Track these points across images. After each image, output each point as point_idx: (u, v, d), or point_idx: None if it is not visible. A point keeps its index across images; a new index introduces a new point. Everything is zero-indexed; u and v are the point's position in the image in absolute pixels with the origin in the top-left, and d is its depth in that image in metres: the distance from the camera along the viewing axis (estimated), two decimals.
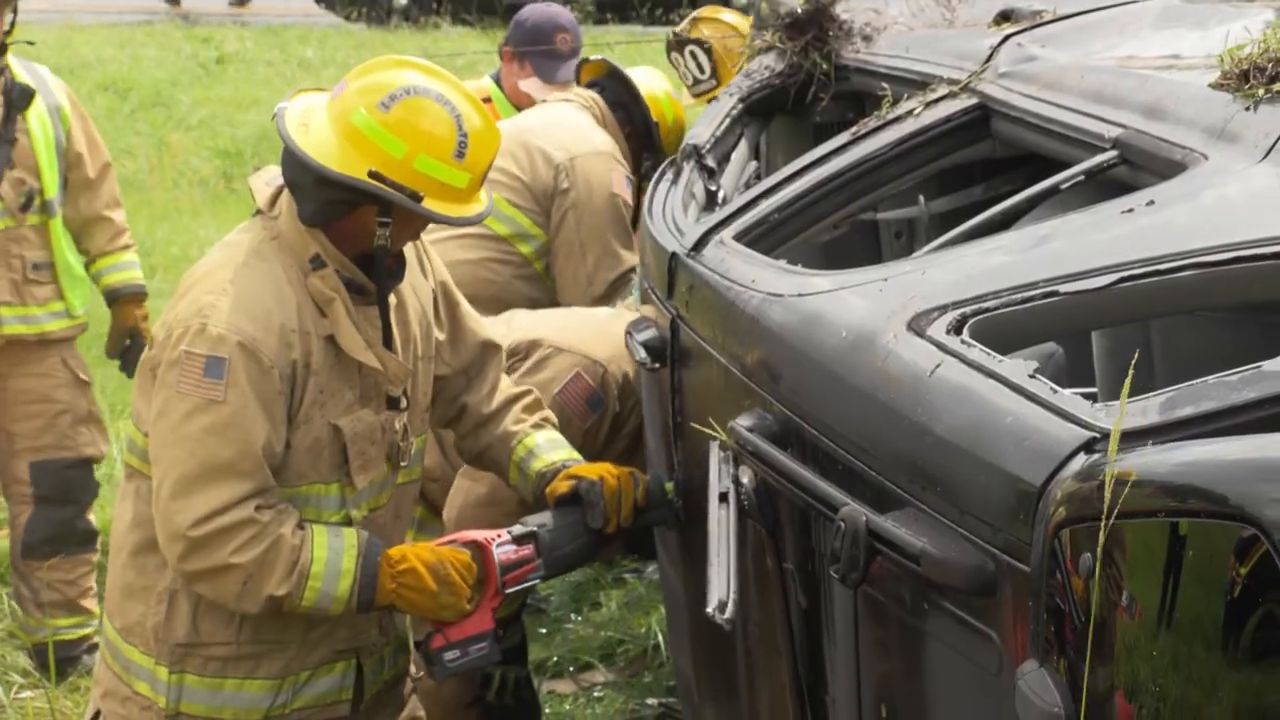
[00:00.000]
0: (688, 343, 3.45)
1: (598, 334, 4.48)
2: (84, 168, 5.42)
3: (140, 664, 3.55)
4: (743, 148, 4.26)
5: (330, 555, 3.39)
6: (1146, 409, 2.16)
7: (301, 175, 3.37)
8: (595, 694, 5.38)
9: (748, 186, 4.06)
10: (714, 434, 3.06)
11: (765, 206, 3.53)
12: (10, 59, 5.29)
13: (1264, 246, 2.51)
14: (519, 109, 5.89)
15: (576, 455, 3.85)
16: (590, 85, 5.58)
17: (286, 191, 3.46)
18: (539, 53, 5.84)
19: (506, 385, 3.93)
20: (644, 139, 5.53)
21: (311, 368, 3.42)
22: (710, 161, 4.10)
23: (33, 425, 5.38)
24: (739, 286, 3.13)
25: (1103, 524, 1.97)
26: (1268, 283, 2.52)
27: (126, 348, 5.59)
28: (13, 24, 5.26)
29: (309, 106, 3.43)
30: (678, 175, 4.10)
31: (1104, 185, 3.09)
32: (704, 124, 4.27)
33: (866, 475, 2.57)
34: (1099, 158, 3.12)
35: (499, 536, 3.60)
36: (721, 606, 2.87)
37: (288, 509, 3.40)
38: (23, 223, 5.27)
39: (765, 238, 3.46)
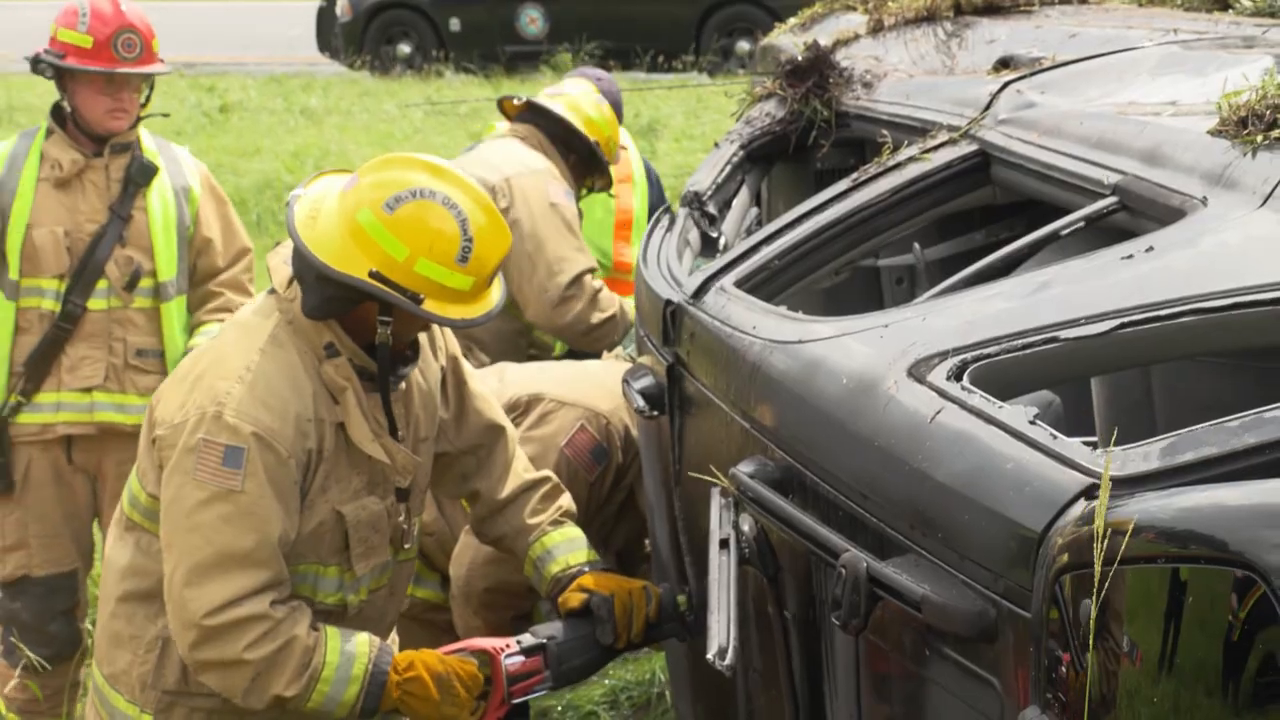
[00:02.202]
0: (688, 389, 3.45)
1: (597, 386, 4.49)
2: (213, 254, 5.25)
3: (125, 711, 3.54)
4: (744, 194, 4.27)
5: (342, 661, 3.38)
6: (1148, 454, 2.16)
7: (305, 269, 3.35)
8: None
9: (749, 233, 4.07)
10: (715, 480, 3.06)
11: (766, 253, 3.53)
12: (143, 135, 5.19)
13: (1264, 292, 2.52)
14: None
15: (593, 557, 3.83)
16: (524, 120, 5.60)
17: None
18: None
19: (521, 468, 3.90)
20: (589, 162, 5.56)
21: (323, 454, 3.41)
22: (711, 208, 4.11)
23: None
24: (740, 333, 3.13)
25: (1100, 570, 1.97)
26: (1268, 328, 2.53)
27: None
28: (148, 99, 5.20)
29: (320, 195, 3.40)
30: (672, 223, 4.10)
31: (1104, 231, 3.09)
32: (705, 170, 4.28)
33: (867, 521, 2.56)
34: (1098, 204, 3.12)
35: (509, 647, 3.60)
36: (722, 653, 2.86)
37: (301, 606, 3.38)
38: (129, 304, 5.09)
39: (766, 284, 3.47)
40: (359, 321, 3.42)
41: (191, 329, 5.25)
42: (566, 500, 3.93)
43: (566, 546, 3.82)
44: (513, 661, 3.58)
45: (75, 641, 5.21)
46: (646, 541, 4.64)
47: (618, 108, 5.85)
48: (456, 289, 3.35)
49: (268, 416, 3.31)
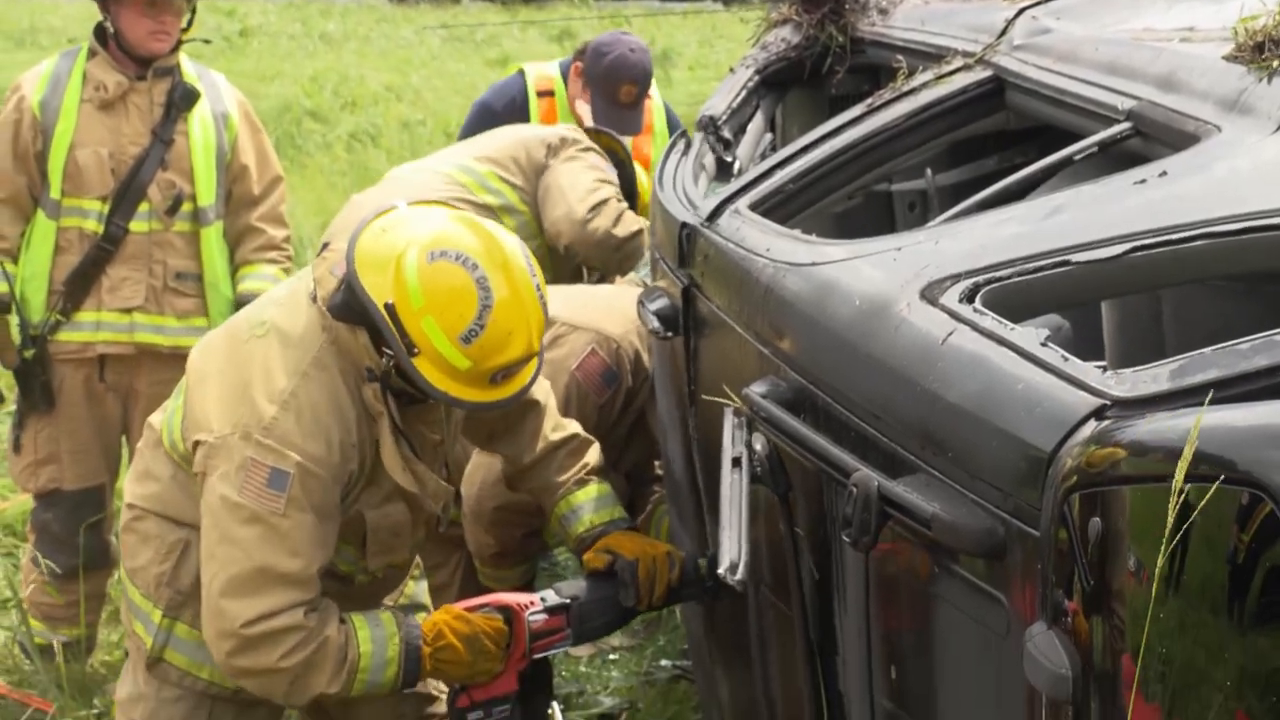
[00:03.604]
0: (702, 311, 3.44)
1: (609, 310, 4.49)
2: (248, 181, 5.25)
3: (139, 605, 3.60)
4: (758, 120, 4.26)
5: (375, 649, 3.43)
6: (1157, 376, 2.15)
7: (345, 266, 3.36)
8: (610, 657, 5.39)
9: (763, 158, 4.05)
10: (728, 401, 3.06)
11: (780, 177, 3.52)
12: (184, 61, 5.18)
13: (1276, 217, 2.50)
14: (575, 116, 5.88)
15: (617, 515, 3.86)
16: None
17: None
18: (600, 92, 5.80)
19: (549, 430, 3.90)
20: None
21: (363, 471, 3.46)
22: (726, 133, 4.09)
23: None
24: (754, 255, 3.13)
25: (1109, 489, 1.97)
26: (1279, 253, 2.51)
27: None
28: (189, 24, 5.18)
29: (406, 218, 3.40)
30: (687, 147, 4.09)
31: (1117, 157, 3.08)
32: (720, 96, 4.26)
33: (878, 441, 2.56)
34: (1113, 129, 3.11)
35: (533, 604, 3.63)
36: (733, 568, 2.88)
37: (329, 606, 3.41)
38: (169, 227, 5.11)
39: (780, 208, 3.46)
40: (366, 319, 3.39)
41: (237, 267, 5.28)
42: (593, 455, 3.93)
43: (592, 505, 3.85)
44: (536, 619, 3.62)
45: (103, 552, 5.27)
46: (656, 463, 4.67)
47: (647, 78, 5.82)
48: (452, 364, 3.32)
49: (313, 445, 3.33)
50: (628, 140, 5.61)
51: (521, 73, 6.16)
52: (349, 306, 3.35)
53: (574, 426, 3.96)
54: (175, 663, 3.57)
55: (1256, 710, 1.85)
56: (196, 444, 3.41)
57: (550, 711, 4.06)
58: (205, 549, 3.38)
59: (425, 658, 3.48)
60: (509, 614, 3.60)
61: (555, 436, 3.89)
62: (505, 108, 5.99)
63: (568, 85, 5.99)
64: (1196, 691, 1.92)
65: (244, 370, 3.42)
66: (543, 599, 3.65)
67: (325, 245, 3.57)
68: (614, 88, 5.77)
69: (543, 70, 6.08)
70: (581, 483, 3.87)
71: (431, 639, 3.49)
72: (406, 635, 3.47)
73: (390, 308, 3.29)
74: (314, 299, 3.46)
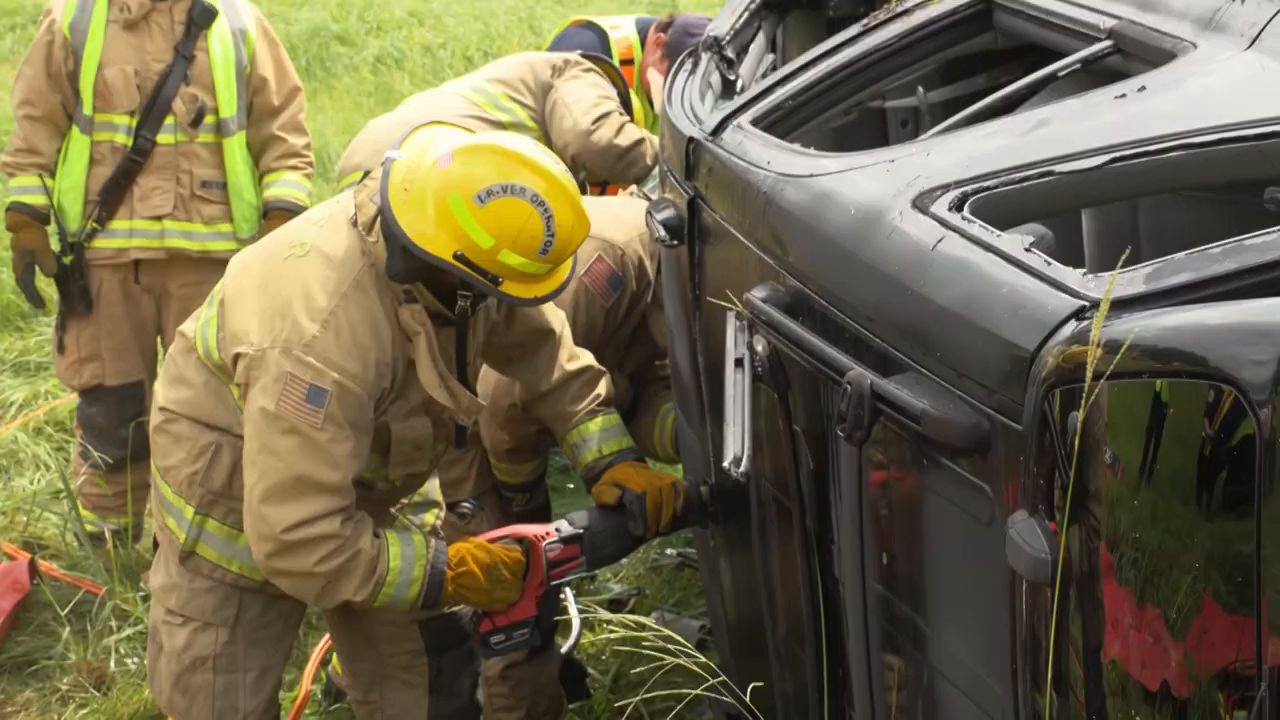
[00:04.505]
0: (707, 220, 3.43)
1: (613, 220, 4.49)
2: (268, 92, 5.24)
3: (171, 501, 3.60)
4: (760, 40, 4.21)
5: (403, 565, 3.44)
6: (1133, 279, 2.15)
7: (393, 238, 3.33)
8: None
9: (764, 76, 4.01)
10: (730, 305, 3.05)
11: (781, 94, 3.49)
12: None
13: (1247, 129, 2.49)
14: (644, 83, 5.80)
15: (626, 444, 3.87)
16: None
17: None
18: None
19: (565, 360, 3.89)
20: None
21: (395, 388, 3.45)
22: (730, 52, 4.05)
23: None
24: (755, 167, 3.11)
25: (1088, 384, 1.97)
26: (1249, 163, 2.51)
27: None
28: None
29: (413, 166, 3.35)
30: (695, 66, 4.05)
31: (1099, 73, 3.05)
32: (724, 17, 4.21)
33: (871, 342, 2.56)
34: (1094, 47, 3.08)
35: (549, 535, 3.65)
36: (736, 461, 2.89)
37: (364, 518, 3.42)
38: (194, 139, 5.12)
39: (780, 123, 3.43)
40: (437, 271, 3.37)
41: (261, 175, 5.28)
42: (604, 387, 3.93)
43: (602, 435, 3.85)
44: (553, 549, 3.64)
45: (145, 444, 5.28)
46: (657, 364, 4.68)
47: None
48: (534, 274, 3.37)
49: (351, 363, 3.32)
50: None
51: (600, 32, 5.95)
52: (414, 269, 3.34)
53: (588, 358, 3.95)
54: (207, 556, 3.58)
55: (1221, 592, 1.86)
56: (237, 357, 3.39)
57: (563, 598, 4.09)
58: (246, 455, 3.38)
59: (447, 581, 3.50)
60: (527, 545, 3.63)
61: (571, 366, 3.89)
62: None
63: (644, 49, 5.90)
64: (1166, 574, 1.93)
65: (284, 287, 3.39)
66: (557, 530, 3.68)
67: (366, 174, 3.54)
68: None
69: (625, 35, 5.90)
70: (593, 413, 3.88)
71: (455, 564, 3.52)
72: (433, 559, 3.48)
73: (462, 256, 3.28)
74: (354, 223, 3.44)
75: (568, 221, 3.34)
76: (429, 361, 3.43)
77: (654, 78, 5.76)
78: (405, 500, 3.84)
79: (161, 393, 3.64)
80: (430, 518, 3.92)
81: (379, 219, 3.37)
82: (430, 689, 3.81)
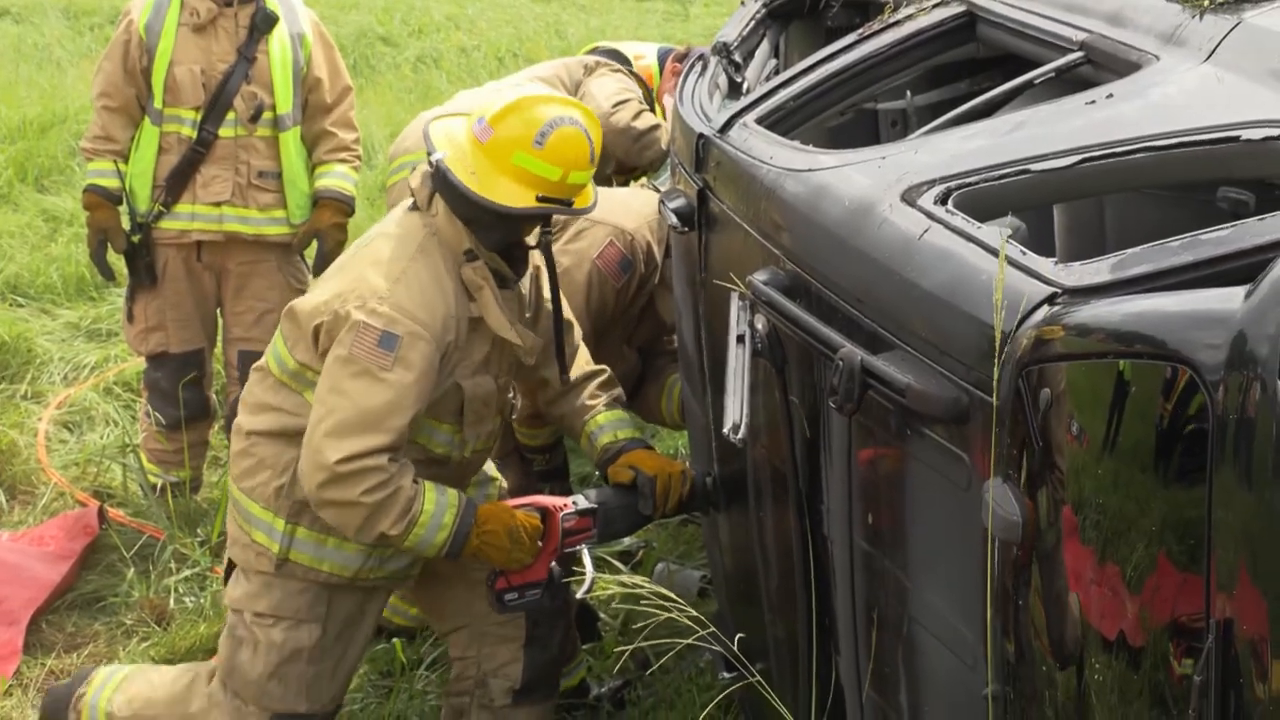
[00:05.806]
0: (713, 210, 3.42)
1: (624, 208, 4.51)
2: (322, 91, 5.22)
3: (259, 517, 3.60)
4: (764, 46, 4.20)
5: (436, 510, 3.44)
6: (1099, 269, 2.14)
7: (481, 214, 3.45)
8: None
9: (768, 79, 4.00)
10: (734, 286, 3.05)
11: (783, 95, 3.48)
12: None
13: (1203, 134, 2.48)
14: (660, 107, 5.76)
15: (638, 434, 3.90)
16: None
17: (439, 194, 3.50)
18: None
19: (583, 360, 3.92)
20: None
21: (458, 343, 3.47)
22: (737, 57, 4.04)
23: (245, 318, 5.25)
24: (759, 162, 3.10)
25: (1057, 364, 1.96)
26: (1205, 165, 2.50)
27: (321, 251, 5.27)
28: None
29: (462, 154, 3.46)
30: (705, 69, 4.04)
31: (1071, 81, 3.04)
32: (732, 25, 4.20)
33: (862, 322, 2.56)
34: (1067, 58, 3.07)
35: (566, 507, 3.65)
36: (736, 429, 2.89)
37: (407, 463, 3.43)
38: (252, 133, 5.10)
39: (782, 122, 3.42)
40: (491, 230, 3.51)
41: (314, 166, 5.27)
42: (616, 390, 3.96)
43: (616, 424, 3.87)
44: (568, 520, 3.64)
45: (203, 405, 5.33)
46: (664, 339, 4.69)
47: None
48: (584, 184, 3.53)
49: (423, 314, 3.37)
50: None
51: (624, 60, 5.73)
52: (510, 229, 3.53)
53: (603, 365, 3.98)
54: (300, 561, 3.58)
55: (1175, 552, 1.86)
56: (317, 330, 3.42)
57: (579, 550, 4.08)
58: (317, 396, 3.40)
59: (473, 535, 3.50)
60: (545, 513, 3.63)
61: (588, 368, 3.92)
62: None
63: (662, 77, 5.87)
64: (1126, 536, 1.93)
65: (355, 265, 3.49)
66: (574, 503, 3.68)
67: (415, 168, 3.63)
68: None
69: (647, 64, 5.72)
70: (610, 406, 3.90)
71: (481, 521, 3.52)
72: (463, 512, 3.48)
73: (543, 197, 3.44)
74: (411, 207, 3.54)
75: (593, 125, 3.52)
76: (496, 308, 3.50)
77: (669, 103, 5.74)
78: (474, 477, 3.85)
79: (244, 421, 3.65)
80: (494, 490, 3.93)
81: (441, 202, 3.49)
82: (526, 641, 3.81)
